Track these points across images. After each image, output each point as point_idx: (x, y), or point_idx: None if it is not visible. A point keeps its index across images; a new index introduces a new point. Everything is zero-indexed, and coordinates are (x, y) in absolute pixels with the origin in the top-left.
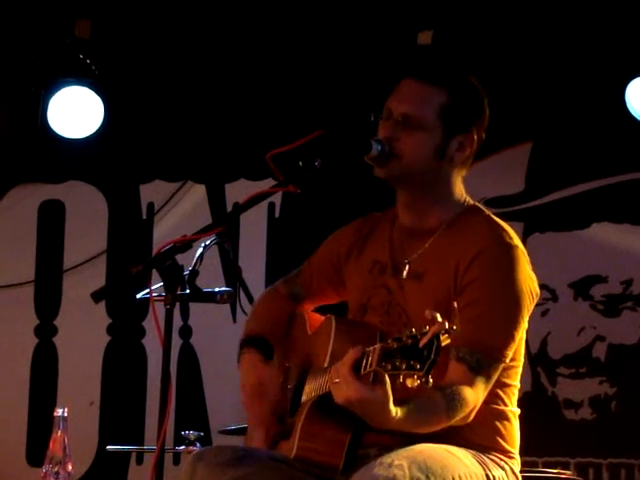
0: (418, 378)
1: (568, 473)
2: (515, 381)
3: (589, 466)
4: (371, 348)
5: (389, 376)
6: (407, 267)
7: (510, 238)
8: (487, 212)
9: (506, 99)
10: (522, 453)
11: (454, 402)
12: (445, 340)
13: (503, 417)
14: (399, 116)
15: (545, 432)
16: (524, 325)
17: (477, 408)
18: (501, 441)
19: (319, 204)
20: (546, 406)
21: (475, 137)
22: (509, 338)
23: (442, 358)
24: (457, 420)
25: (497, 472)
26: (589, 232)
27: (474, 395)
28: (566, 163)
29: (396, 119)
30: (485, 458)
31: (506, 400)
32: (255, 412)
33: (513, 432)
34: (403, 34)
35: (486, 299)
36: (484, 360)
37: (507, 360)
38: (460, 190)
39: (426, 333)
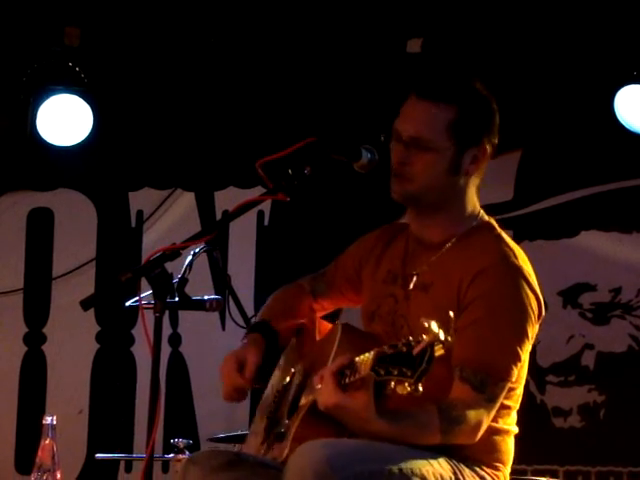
0: (409, 385)
1: None
2: (515, 403)
3: (578, 474)
4: (363, 356)
5: (381, 381)
6: (415, 278)
7: (515, 258)
8: (498, 230)
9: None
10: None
11: (451, 420)
12: (439, 350)
13: (496, 434)
14: (407, 138)
15: (534, 440)
16: (528, 345)
17: (483, 428)
18: (489, 455)
19: (308, 212)
20: (535, 414)
21: (487, 146)
22: (513, 357)
23: (445, 374)
24: (456, 439)
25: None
26: (578, 240)
27: (476, 414)
28: (555, 171)
29: (405, 141)
30: (463, 465)
31: (502, 420)
32: (226, 374)
33: (506, 449)
34: (392, 41)
35: (489, 318)
36: (488, 380)
37: (512, 379)
38: (473, 202)
39: (420, 341)
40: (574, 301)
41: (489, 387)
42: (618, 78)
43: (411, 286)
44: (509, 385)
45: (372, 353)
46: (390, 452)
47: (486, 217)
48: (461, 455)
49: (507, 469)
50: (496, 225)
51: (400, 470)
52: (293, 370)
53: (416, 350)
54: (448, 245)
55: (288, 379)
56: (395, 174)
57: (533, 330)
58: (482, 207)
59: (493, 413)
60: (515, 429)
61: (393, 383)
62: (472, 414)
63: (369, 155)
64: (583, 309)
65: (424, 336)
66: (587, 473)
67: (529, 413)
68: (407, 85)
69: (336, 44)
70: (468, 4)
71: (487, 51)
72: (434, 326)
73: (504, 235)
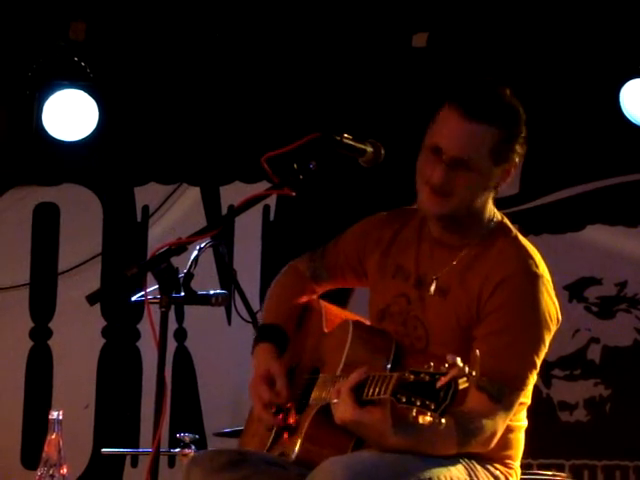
0: (431, 417)
1: (563, 475)
2: (528, 399)
3: (584, 468)
4: (378, 374)
5: (402, 409)
6: (432, 282)
7: (536, 267)
8: (515, 232)
9: None
10: None
11: (468, 432)
12: (463, 384)
13: (509, 431)
14: (452, 159)
15: (540, 434)
16: (544, 352)
17: (498, 436)
18: (501, 452)
19: (314, 207)
20: (541, 408)
21: (517, 159)
22: (531, 367)
23: None
24: (472, 449)
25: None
26: (583, 234)
27: (492, 424)
28: (561, 165)
29: (448, 161)
30: (477, 465)
31: (513, 417)
32: (260, 396)
33: (517, 444)
34: (398, 36)
35: (509, 329)
36: (505, 389)
37: (527, 387)
38: (491, 206)
39: (445, 374)
40: (580, 295)
41: (506, 396)
42: (624, 72)
43: (431, 290)
44: (522, 393)
45: (393, 377)
46: (406, 463)
47: (499, 215)
48: (473, 453)
49: (517, 463)
50: (510, 225)
51: None
52: (298, 359)
53: (440, 383)
54: (466, 250)
55: (290, 372)
56: (434, 191)
57: (550, 337)
58: None
59: (507, 421)
60: (525, 423)
61: (415, 411)
62: (489, 424)
63: (374, 150)
64: (589, 303)
65: (447, 366)
66: (593, 467)
67: (535, 407)
68: (442, 93)
69: (341, 39)
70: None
71: (492, 45)
72: (459, 361)
73: (520, 237)
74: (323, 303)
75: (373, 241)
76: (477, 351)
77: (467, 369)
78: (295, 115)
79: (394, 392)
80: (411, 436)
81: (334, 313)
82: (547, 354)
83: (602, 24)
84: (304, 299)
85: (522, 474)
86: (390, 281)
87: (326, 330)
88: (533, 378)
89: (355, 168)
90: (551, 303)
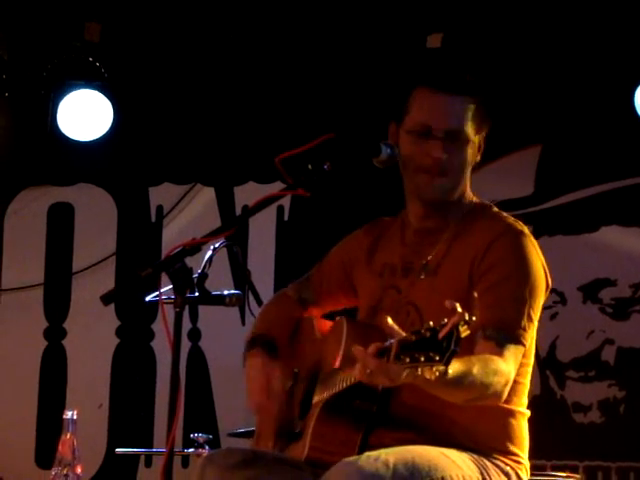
0: (437, 369)
1: (577, 476)
2: (525, 379)
3: (598, 469)
4: (388, 342)
5: (407, 369)
6: (419, 266)
7: (521, 226)
8: (495, 208)
9: (515, 102)
10: (531, 456)
11: (490, 370)
12: (465, 331)
13: (511, 416)
14: (445, 132)
15: (554, 435)
16: (539, 312)
17: (510, 383)
18: (507, 442)
19: (328, 207)
20: (555, 409)
21: (485, 130)
22: (528, 320)
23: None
24: (491, 391)
25: (498, 478)
26: (598, 235)
27: (506, 366)
28: (575, 166)
29: (438, 136)
30: (487, 462)
31: (515, 399)
32: (267, 411)
33: (521, 433)
34: (413, 37)
35: (506, 281)
36: (510, 337)
37: (527, 344)
38: (469, 188)
39: (445, 325)
40: (594, 296)
41: (512, 343)
42: (638, 74)
43: (420, 273)
44: (524, 349)
45: (394, 342)
46: (419, 463)
47: (477, 198)
48: (479, 445)
49: (525, 457)
50: (491, 204)
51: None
52: (295, 369)
53: (442, 334)
54: (449, 230)
55: (290, 382)
56: (429, 171)
57: (544, 296)
58: (502, 202)
59: (516, 368)
60: (527, 412)
61: (420, 370)
62: (503, 365)
63: (389, 150)
64: (603, 304)
65: (446, 319)
66: (607, 469)
67: (549, 408)
68: (415, 79)
69: (356, 40)
70: (488, 0)
71: (507, 47)
72: (459, 307)
73: (502, 212)
74: (316, 317)
75: (357, 252)
76: (475, 294)
77: (467, 315)
78: (309, 116)
79: (397, 356)
80: (464, 368)
81: (325, 322)
82: (561, 355)
83: (616, 27)
84: (292, 317)
85: (536, 475)
86: (378, 280)
87: (319, 336)
88: (532, 332)
89: (369, 169)
90: (541, 263)
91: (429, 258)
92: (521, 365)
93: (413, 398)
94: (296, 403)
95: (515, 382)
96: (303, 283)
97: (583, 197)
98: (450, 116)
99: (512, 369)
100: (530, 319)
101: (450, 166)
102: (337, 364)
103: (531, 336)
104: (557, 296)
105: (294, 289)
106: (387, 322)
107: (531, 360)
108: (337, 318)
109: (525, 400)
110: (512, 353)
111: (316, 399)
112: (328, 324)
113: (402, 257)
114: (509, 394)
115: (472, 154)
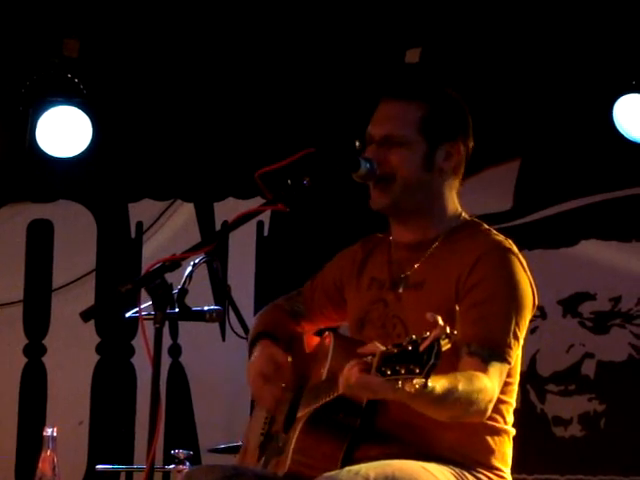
0: (417, 382)
1: None
2: (511, 398)
3: None
4: (370, 356)
5: (388, 381)
6: (406, 279)
7: (510, 244)
8: (486, 226)
9: (494, 116)
10: (512, 470)
11: (474, 388)
12: (446, 345)
13: (496, 433)
14: (380, 138)
15: (535, 449)
16: (525, 329)
17: (494, 401)
18: (490, 457)
19: (308, 223)
20: (535, 423)
21: (462, 145)
22: (514, 338)
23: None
24: (475, 409)
25: None
26: (577, 249)
27: (491, 383)
28: (554, 180)
29: (378, 142)
30: (469, 476)
31: (500, 418)
32: (263, 399)
33: (505, 450)
34: (391, 52)
35: (492, 298)
36: (495, 354)
37: (512, 362)
38: (454, 204)
39: (426, 338)
40: (574, 310)
41: (497, 360)
42: (617, 87)
43: (402, 287)
44: (509, 367)
45: (376, 355)
46: (399, 477)
47: (467, 215)
48: (464, 460)
49: (508, 473)
50: (481, 222)
51: None
52: (283, 385)
53: (422, 346)
54: (435, 244)
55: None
56: (376, 183)
57: (530, 315)
58: (481, 217)
59: (500, 386)
60: (513, 430)
61: (400, 382)
62: (487, 382)
63: (367, 165)
64: (583, 318)
65: (428, 332)
66: None
67: (529, 422)
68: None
69: (335, 55)
70: (467, 14)
71: (486, 60)
72: (440, 320)
73: (491, 229)
74: (305, 332)
75: (349, 267)
76: (457, 307)
77: (448, 329)
78: (288, 131)
79: (378, 368)
80: (447, 384)
81: (314, 338)
82: (541, 369)
83: (596, 39)
84: (287, 324)
85: None
86: (366, 293)
87: (308, 352)
88: (517, 350)
89: (349, 184)
90: (529, 282)
91: (415, 272)
92: (507, 384)
93: (401, 414)
94: (282, 417)
95: (501, 401)
96: (294, 297)
97: (562, 211)
98: (387, 121)
99: (496, 386)
100: (516, 337)
101: (389, 171)
102: (323, 378)
103: (516, 354)
104: (537, 310)
105: (286, 302)
106: (373, 341)
107: (516, 379)
108: (325, 333)
109: (511, 418)
110: (497, 370)
111: (300, 413)
112: (317, 340)
113: (389, 271)
114: (495, 413)
115: (418, 159)
